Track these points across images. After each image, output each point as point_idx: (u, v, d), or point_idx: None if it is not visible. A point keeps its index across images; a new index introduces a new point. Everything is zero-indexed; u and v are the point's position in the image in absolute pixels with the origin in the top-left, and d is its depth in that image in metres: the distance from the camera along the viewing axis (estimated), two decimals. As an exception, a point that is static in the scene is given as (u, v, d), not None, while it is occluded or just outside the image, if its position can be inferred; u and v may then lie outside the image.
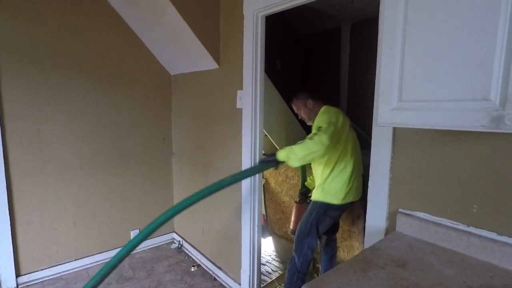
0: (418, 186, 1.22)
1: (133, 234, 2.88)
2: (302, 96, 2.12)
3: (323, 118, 1.83)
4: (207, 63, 2.38)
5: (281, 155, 1.74)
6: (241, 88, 2.10)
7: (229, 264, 2.40)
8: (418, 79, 0.88)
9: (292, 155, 1.69)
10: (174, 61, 2.79)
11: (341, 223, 2.68)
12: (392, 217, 1.31)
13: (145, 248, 2.96)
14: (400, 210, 1.29)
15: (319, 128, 1.75)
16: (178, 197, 3.09)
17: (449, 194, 1.13)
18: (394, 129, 1.29)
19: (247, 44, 2.01)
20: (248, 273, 2.16)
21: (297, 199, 2.49)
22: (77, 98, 2.48)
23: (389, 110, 0.95)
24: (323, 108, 1.98)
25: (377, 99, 0.99)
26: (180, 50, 2.53)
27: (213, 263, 2.57)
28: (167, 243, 3.09)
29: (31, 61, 2.25)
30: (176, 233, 3.14)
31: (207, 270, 2.61)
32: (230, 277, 2.38)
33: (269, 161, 1.80)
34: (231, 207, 2.30)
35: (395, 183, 1.30)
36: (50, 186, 2.41)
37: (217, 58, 2.31)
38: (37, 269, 2.41)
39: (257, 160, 2.08)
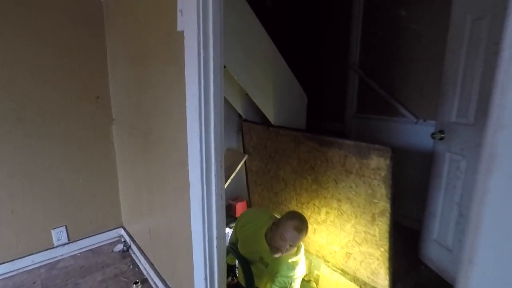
0: None
1: (55, 234, 2.03)
2: (305, 231, 1.67)
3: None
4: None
5: None
6: (182, -7, 1.13)
7: (180, 278, 1.57)
8: None
9: None
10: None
11: (353, 221, 1.81)
12: None
13: (76, 252, 2.12)
14: None
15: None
16: (123, 182, 2.20)
17: None
18: None
19: None
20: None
21: None
22: None
23: None
24: (299, 257, 1.73)
25: None
26: None
27: (161, 279, 1.74)
28: (110, 243, 2.25)
29: None
30: (124, 230, 2.30)
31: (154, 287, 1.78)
32: (183, 305, 1.55)
33: None
34: (180, 202, 1.42)
35: None
36: None
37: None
38: None
39: (212, 132, 1.15)
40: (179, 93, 1.23)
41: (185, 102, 1.19)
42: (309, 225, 1.75)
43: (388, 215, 1.61)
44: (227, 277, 1.95)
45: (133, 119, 1.83)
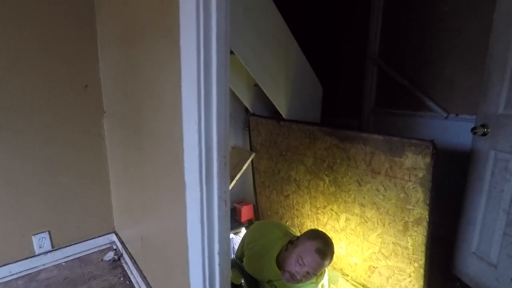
0: None
1: (37, 240, 1.79)
2: (330, 257, 1.37)
3: None
4: None
5: None
6: None
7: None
8: None
9: None
10: None
11: (380, 230, 1.54)
12: None
13: (61, 261, 1.88)
14: None
15: None
16: (115, 182, 1.95)
17: None
18: None
19: None
20: None
21: None
22: None
23: None
24: (322, 284, 1.46)
25: None
26: None
27: (156, 297, 1.48)
28: (100, 251, 2.00)
29: None
30: (117, 236, 2.05)
31: (148, 307, 1.53)
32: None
33: None
34: (174, 207, 1.16)
35: None
36: None
37: None
38: None
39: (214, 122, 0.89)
40: (173, 71, 0.98)
41: (180, 81, 0.93)
42: (325, 233, 1.47)
43: (425, 224, 1.34)
44: None
45: (123, 109, 1.59)
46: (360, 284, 1.77)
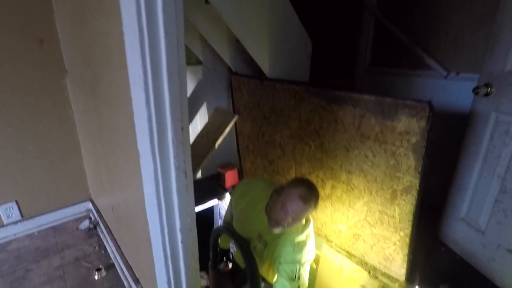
0: None
1: (3, 210, 1.68)
2: (314, 202, 1.34)
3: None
4: None
5: None
6: None
7: (143, 272, 1.24)
8: None
9: None
10: None
11: (367, 198, 1.45)
12: None
13: (34, 230, 1.79)
14: None
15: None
16: (86, 147, 1.80)
17: None
18: None
19: None
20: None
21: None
22: None
23: None
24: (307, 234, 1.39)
25: None
26: None
27: (128, 266, 1.42)
28: (76, 219, 1.91)
29: None
30: (92, 203, 1.95)
31: (121, 276, 1.47)
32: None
33: None
34: (133, 179, 1.03)
35: None
36: None
37: None
38: None
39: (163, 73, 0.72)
40: (114, 14, 0.78)
41: (121, 27, 0.74)
42: (310, 180, 1.43)
43: (414, 193, 1.24)
44: (219, 264, 1.65)
45: (80, 66, 1.39)
46: (344, 251, 1.73)
